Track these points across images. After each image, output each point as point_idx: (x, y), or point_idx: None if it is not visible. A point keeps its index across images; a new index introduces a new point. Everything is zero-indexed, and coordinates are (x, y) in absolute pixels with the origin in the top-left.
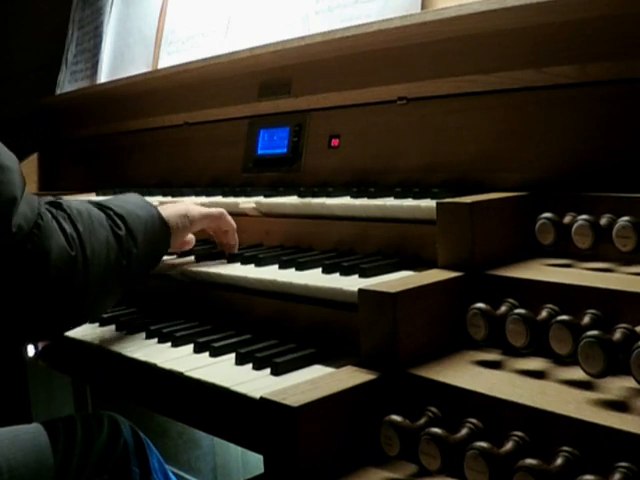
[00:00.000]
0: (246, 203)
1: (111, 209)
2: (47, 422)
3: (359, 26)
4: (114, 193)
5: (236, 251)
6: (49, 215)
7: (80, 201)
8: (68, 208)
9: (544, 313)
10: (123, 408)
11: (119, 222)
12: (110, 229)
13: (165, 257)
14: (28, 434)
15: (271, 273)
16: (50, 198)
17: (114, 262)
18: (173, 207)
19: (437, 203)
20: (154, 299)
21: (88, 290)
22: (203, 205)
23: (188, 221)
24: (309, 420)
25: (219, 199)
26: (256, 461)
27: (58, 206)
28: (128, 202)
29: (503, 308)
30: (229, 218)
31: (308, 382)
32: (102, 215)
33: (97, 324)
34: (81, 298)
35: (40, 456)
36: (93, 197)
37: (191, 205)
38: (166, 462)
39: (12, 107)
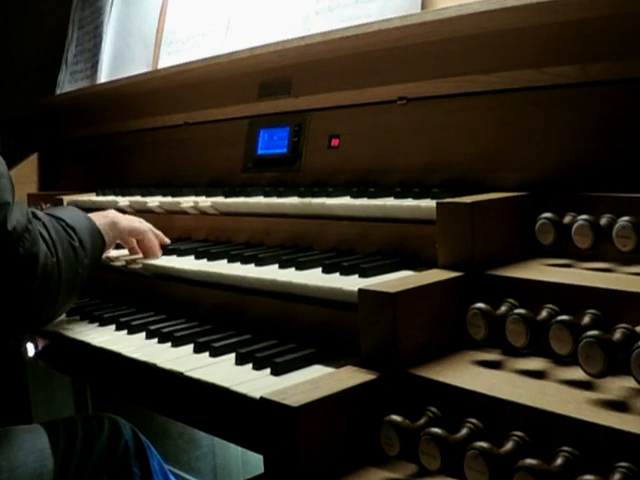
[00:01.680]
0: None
1: (63, 220)
2: (48, 423)
3: (359, 26)
4: (114, 193)
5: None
6: (34, 221)
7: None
8: (42, 217)
9: (544, 313)
10: (123, 408)
11: (72, 233)
12: (67, 240)
13: (166, 258)
14: (29, 434)
15: (271, 273)
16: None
17: (75, 270)
18: (104, 218)
19: (437, 203)
20: (154, 299)
21: (60, 294)
22: (204, 205)
23: (117, 231)
24: (309, 420)
25: (220, 199)
26: (256, 461)
27: (34, 215)
28: (73, 214)
29: (503, 308)
30: (151, 236)
31: (308, 382)
32: (59, 226)
33: (97, 324)
34: (54, 301)
35: (40, 456)
36: (93, 197)
37: (120, 217)
38: (166, 462)
39: (12, 107)
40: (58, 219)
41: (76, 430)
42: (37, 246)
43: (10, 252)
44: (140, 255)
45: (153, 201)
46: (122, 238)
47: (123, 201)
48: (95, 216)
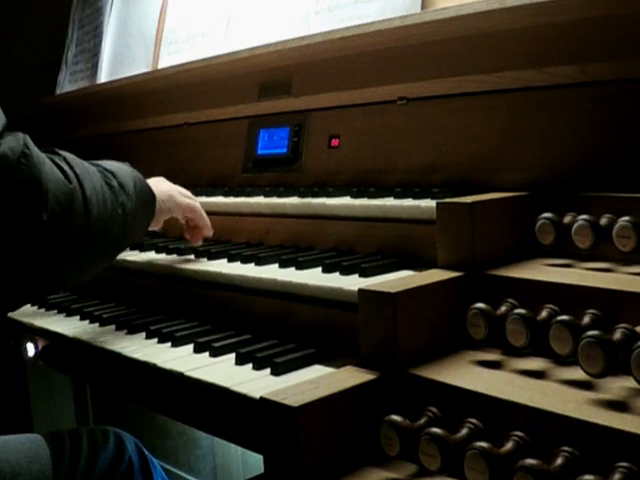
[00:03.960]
0: (245, 203)
1: (100, 165)
2: (53, 433)
3: (359, 26)
4: None
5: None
6: (39, 151)
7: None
8: (63, 152)
9: (544, 313)
10: (123, 408)
11: (110, 176)
12: (103, 179)
13: (165, 257)
14: (33, 443)
15: (271, 272)
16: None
17: (111, 208)
18: (157, 183)
19: (437, 203)
20: (154, 299)
21: (92, 231)
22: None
23: (173, 204)
24: (309, 420)
25: (220, 199)
26: (256, 461)
27: (52, 151)
28: (113, 163)
29: (503, 308)
30: (204, 215)
31: (308, 382)
32: (93, 167)
33: (97, 324)
34: (86, 238)
35: (44, 466)
36: None
37: (175, 190)
38: (166, 462)
39: (12, 107)
40: (93, 164)
41: (81, 442)
42: (40, 169)
43: (5, 181)
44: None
45: None
46: (177, 214)
47: None
48: (150, 181)
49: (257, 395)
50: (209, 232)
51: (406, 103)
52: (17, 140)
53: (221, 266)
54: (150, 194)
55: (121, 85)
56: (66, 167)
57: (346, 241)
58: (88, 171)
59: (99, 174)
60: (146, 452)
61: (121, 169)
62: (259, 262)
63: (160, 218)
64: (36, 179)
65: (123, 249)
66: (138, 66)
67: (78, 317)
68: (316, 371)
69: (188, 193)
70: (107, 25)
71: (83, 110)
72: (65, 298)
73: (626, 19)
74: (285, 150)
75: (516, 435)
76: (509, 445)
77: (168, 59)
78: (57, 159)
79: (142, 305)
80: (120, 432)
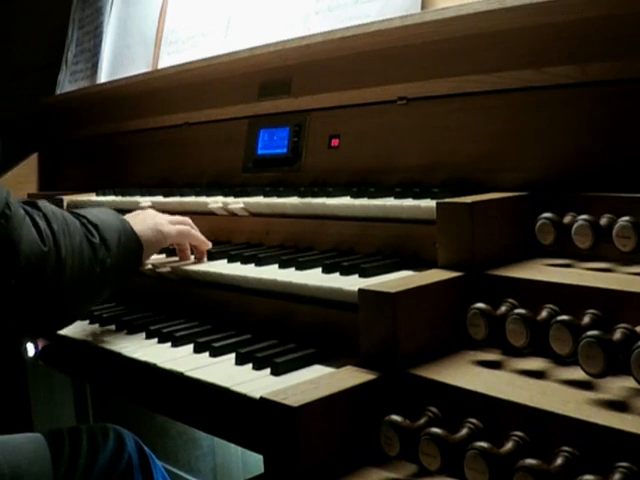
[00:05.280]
0: (238, 204)
1: (85, 217)
2: (53, 432)
3: (359, 26)
4: (114, 193)
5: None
6: (21, 210)
7: (54, 206)
8: (44, 207)
9: (544, 313)
10: (123, 408)
11: (93, 230)
12: (84, 235)
13: (166, 258)
14: (33, 443)
15: (271, 273)
16: (25, 199)
17: (88, 266)
18: (144, 221)
19: (437, 203)
20: (154, 299)
21: (64, 291)
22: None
23: (162, 236)
24: (309, 420)
25: (219, 199)
26: (256, 461)
27: (33, 205)
28: (101, 212)
29: (503, 308)
30: (197, 234)
31: (308, 382)
32: (76, 222)
33: (97, 324)
34: (57, 298)
35: (44, 466)
36: (93, 197)
37: (161, 218)
38: (166, 462)
39: (12, 107)
40: (78, 216)
41: (80, 441)
42: (18, 231)
43: None
44: (191, 259)
45: (153, 200)
46: (168, 244)
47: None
48: (133, 220)
49: (257, 395)
50: (207, 247)
51: (406, 103)
52: (0, 198)
53: (221, 267)
54: (135, 244)
55: (121, 85)
56: (44, 226)
57: (346, 241)
58: (68, 227)
59: (81, 229)
60: (146, 449)
61: (106, 222)
62: (259, 262)
63: (150, 254)
64: (12, 240)
65: (109, 292)
66: (138, 66)
67: None
68: (316, 371)
69: (177, 218)
70: (107, 25)
71: (83, 110)
72: None
73: (626, 19)
74: (285, 150)
75: (516, 435)
76: (509, 445)
77: (168, 59)
78: (36, 216)
79: (142, 305)
80: (120, 429)
